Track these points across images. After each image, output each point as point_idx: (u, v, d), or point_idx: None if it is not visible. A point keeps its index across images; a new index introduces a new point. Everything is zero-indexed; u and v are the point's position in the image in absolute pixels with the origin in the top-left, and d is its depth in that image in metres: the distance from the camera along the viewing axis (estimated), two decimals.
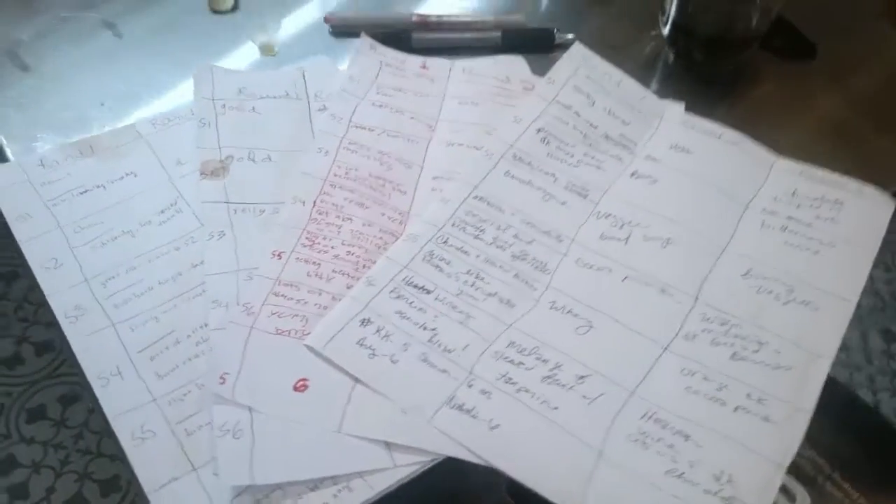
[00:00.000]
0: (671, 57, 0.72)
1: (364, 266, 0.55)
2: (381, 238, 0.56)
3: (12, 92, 0.65)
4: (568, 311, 0.54)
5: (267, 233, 0.56)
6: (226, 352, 0.50)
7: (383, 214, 0.58)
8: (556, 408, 0.49)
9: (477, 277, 0.55)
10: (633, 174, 0.62)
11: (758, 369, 0.51)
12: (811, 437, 0.49)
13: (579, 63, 0.67)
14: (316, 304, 0.52)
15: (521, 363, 0.51)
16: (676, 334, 0.53)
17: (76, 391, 1.37)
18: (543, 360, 0.51)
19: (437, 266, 0.55)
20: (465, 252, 0.56)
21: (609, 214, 0.59)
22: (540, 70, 0.68)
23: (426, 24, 0.71)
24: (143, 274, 0.54)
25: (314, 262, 0.54)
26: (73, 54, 0.69)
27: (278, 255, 0.55)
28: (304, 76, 0.66)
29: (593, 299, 0.54)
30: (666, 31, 0.70)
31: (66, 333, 0.51)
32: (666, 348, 0.52)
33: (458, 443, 0.47)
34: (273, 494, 0.45)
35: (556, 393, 0.50)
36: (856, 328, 1.53)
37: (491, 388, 0.50)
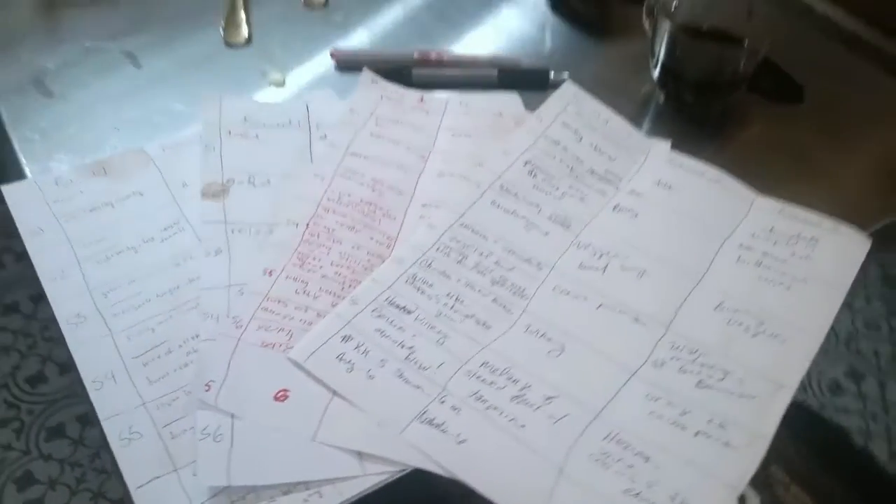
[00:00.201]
0: (662, 98, 0.75)
1: (350, 286, 0.58)
2: (368, 260, 0.59)
3: (35, 116, 0.70)
4: (542, 335, 0.56)
5: (260, 252, 0.59)
6: (213, 361, 0.53)
7: (372, 238, 0.61)
8: (522, 426, 0.51)
9: (456, 300, 0.57)
10: (615, 207, 0.64)
11: (722, 397, 0.53)
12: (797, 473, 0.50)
13: (569, 100, 0.70)
14: (301, 320, 0.55)
15: (492, 382, 0.53)
16: (645, 361, 0.55)
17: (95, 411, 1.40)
18: (514, 381, 0.53)
19: (419, 288, 0.58)
20: (447, 276, 0.58)
21: (589, 245, 0.61)
22: (535, 107, 0.71)
23: (427, 61, 0.75)
24: (142, 287, 0.58)
25: (302, 281, 0.57)
26: (94, 82, 0.74)
27: (269, 272, 0.58)
28: (307, 107, 0.70)
29: (567, 324, 0.57)
30: (656, 73, 0.73)
31: (66, 339, 0.55)
32: (634, 374, 0.54)
33: (426, 455, 0.50)
34: (248, 496, 0.48)
35: (524, 412, 0.52)
36: (874, 377, 1.52)
37: (462, 404, 0.52)
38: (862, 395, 1.47)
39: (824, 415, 1.39)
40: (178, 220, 0.62)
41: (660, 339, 0.56)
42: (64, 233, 0.61)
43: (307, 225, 0.61)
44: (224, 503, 0.47)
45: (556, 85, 0.73)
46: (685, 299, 0.59)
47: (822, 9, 0.84)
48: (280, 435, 0.50)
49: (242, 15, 0.80)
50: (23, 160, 0.66)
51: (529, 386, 0.53)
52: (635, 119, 0.72)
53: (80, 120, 0.70)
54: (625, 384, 0.54)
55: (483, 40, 0.81)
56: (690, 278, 0.60)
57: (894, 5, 0.81)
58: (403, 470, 0.49)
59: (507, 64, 0.75)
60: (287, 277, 0.58)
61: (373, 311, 0.56)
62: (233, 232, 0.60)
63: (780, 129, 0.73)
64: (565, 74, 0.74)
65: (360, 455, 0.50)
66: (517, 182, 0.64)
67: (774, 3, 0.80)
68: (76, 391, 1.40)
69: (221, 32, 0.79)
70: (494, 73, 0.74)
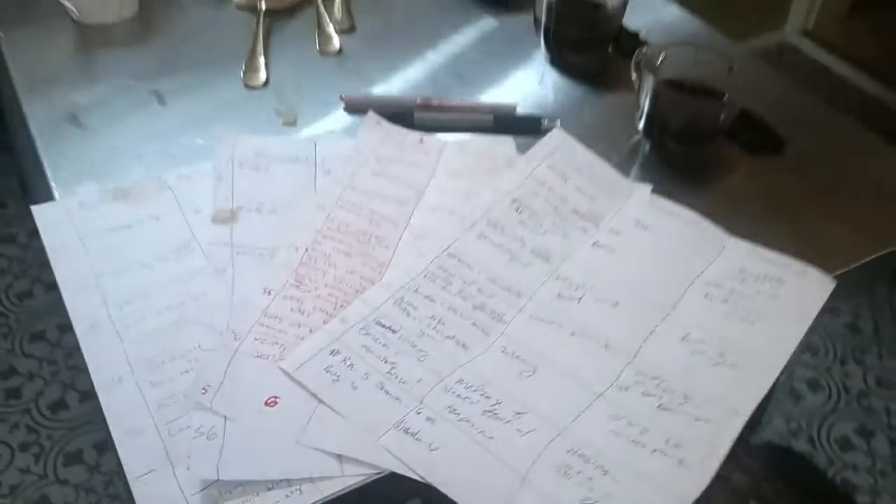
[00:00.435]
0: (648, 147, 0.80)
1: (342, 306, 0.63)
2: (360, 283, 0.64)
3: (66, 145, 0.76)
4: (516, 357, 0.60)
5: (261, 272, 0.64)
6: (211, 368, 0.58)
7: (365, 264, 0.66)
8: (491, 437, 0.55)
9: (439, 322, 0.62)
10: (594, 244, 0.69)
11: (680, 419, 0.57)
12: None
13: (558, 145, 0.75)
14: (295, 335, 0.60)
15: (466, 397, 0.58)
16: (611, 385, 0.59)
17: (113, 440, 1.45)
18: (487, 397, 0.58)
19: (405, 310, 0.62)
20: (432, 300, 0.63)
21: (567, 277, 0.66)
22: (527, 151, 0.76)
23: (428, 106, 0.81)
24: (153, 301, 0.63)
25: (298, 300, 0.63)
26: (123, 117, 0.80)
27: (268, 291, 0.63)
28: (315, 144, 0.76)
29: (541, 348, 0.61)
30: (641, 124, 0.78)
31: (81, 347, 0.60)
32: (600, 396, 0.59)
33: (400, 460, 0.54)
34: (235, 490, 0.52)
35: (494, 425, 0.56)
36: (884, 434, 1.53)
37: (436, 416, 0.56)
38: (871, 452, 1.49)
39: (830, 472, 1.40)
40: (189, 242, 0.67)
41: (626, 365, 0.60)
42: (85, 250, 0.66)
43: (306, 249, 0.66)
44: (213, 495, 0.52)
45: (547, 131, 0.78)
46: (653, 330, 0.63)
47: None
48: (268, 436, 0.55)
49: (261, 60, 0.87)
50: (52, 184, 0.72)
51: (501, 402, 0.57)
52: (624, 165, 0.77)
53: (107, 150, 0.77)
54: (590, 405, 0.58)
55: (486, 88, 0.87)
56: (660, 311, 0.64)
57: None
58: (379, 473, 0.54)
59: (503, 110, 0.81)
60: (284, 297, 0.63)
61: (360, 329, 0.61)
62: (238, 254, 0.66)
63: (759, 179, 0.78)
64: (557, 122, 0.79)
65: (340, 458, 0.54)
66: (504, 218, 0.69)
67: (761, 59, 0.85)
68: (95, 418, 1.46)
69: (241, 75, 0.85)
70: (491, 118, 0.79)
